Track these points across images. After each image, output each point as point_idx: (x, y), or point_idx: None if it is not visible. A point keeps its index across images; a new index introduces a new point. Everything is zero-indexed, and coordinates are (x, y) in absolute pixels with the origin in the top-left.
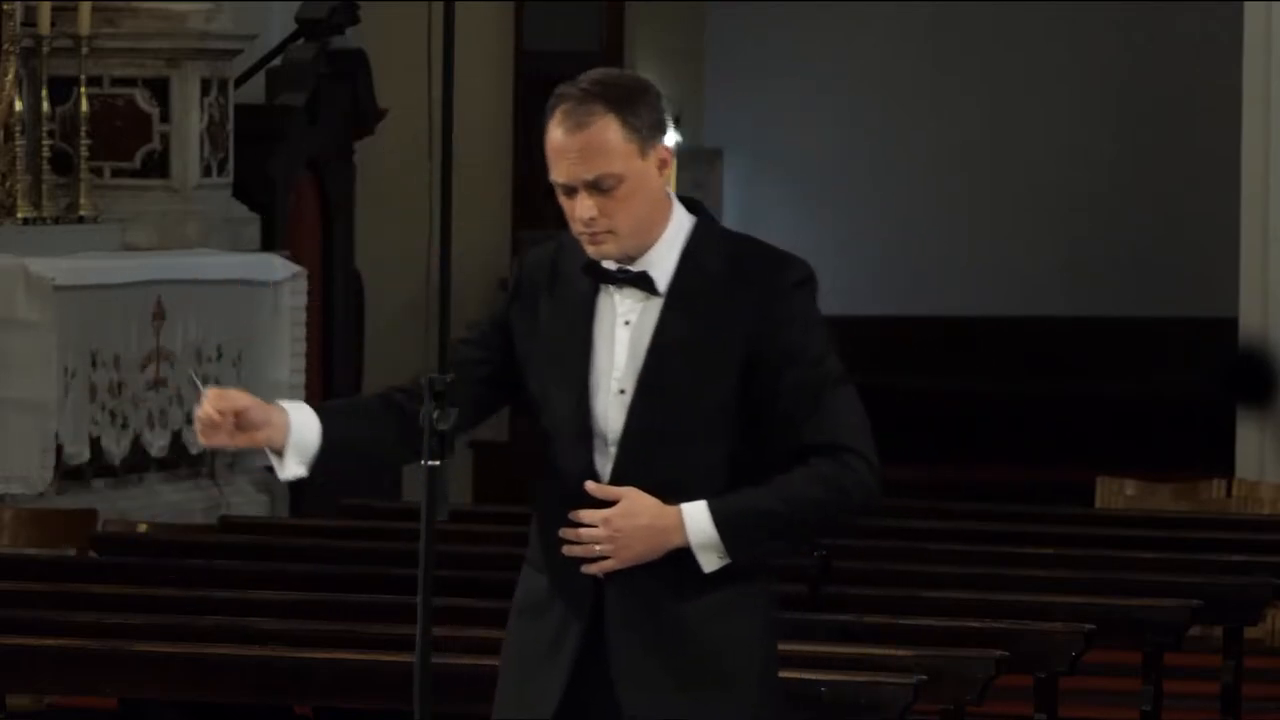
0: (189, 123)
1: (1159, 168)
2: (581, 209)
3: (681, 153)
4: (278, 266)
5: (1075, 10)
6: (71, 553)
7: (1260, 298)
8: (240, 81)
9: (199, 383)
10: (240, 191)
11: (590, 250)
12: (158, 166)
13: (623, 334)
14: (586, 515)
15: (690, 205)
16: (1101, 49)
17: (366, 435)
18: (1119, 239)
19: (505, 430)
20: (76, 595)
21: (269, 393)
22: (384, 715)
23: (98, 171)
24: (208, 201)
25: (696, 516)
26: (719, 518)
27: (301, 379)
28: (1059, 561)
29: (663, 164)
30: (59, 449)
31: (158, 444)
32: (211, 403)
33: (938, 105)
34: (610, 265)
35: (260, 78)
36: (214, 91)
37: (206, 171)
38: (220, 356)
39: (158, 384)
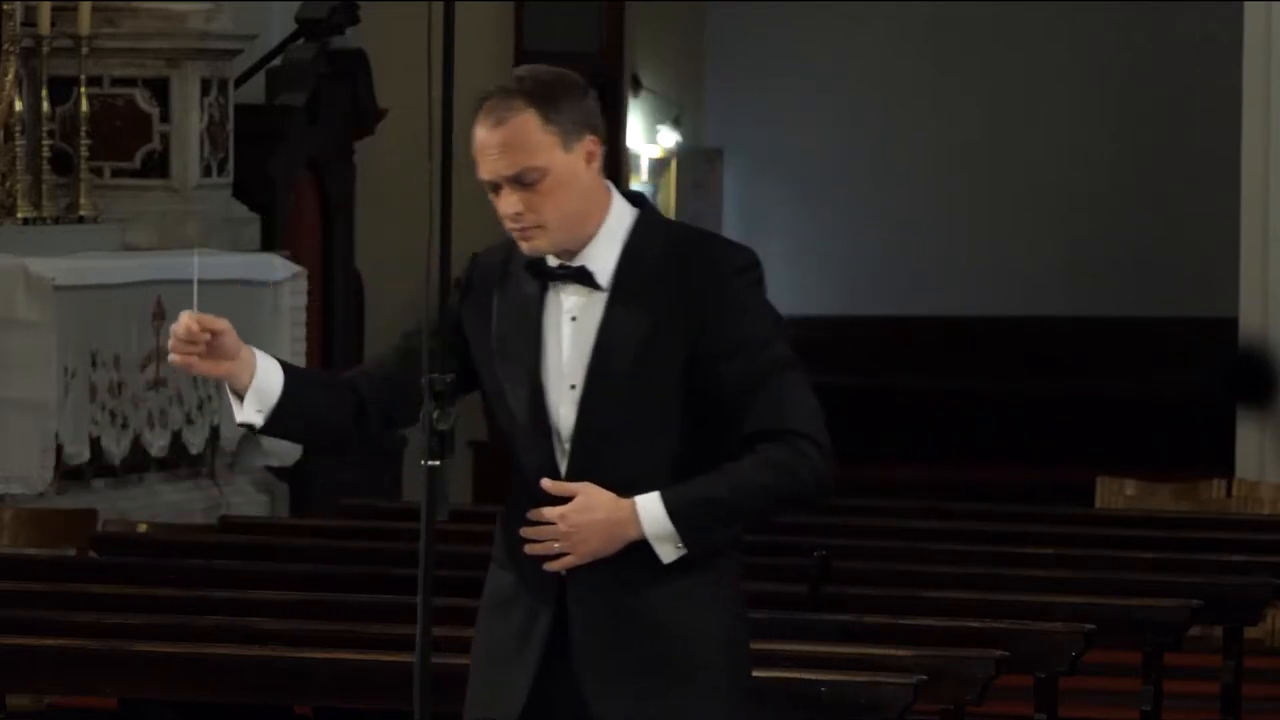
0: (189, 123)
1: (1159, 168)
2: (505, 204)
3: (681, 153)
4: (278, 266)
5: (1075, 10)
6: (71, 553)
7: (1260, 298)
8: (240, 81)
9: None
10: (240, 191)
11: (523, 246)
12: (158, 166)
13: (569, 330)
14: (543, 514)
15: (633, 198)
16: (1101, 49)
17: (323, 408)
18: (1119, 239)
19: None
20: (76, 595)
21: None
22: (384, 715)
23: (98, 171)
24: (208, 201)
25: (650, 508)
26: (672, 508)
27: None
28: (1059, 561)
29: (590, 157)
30: (59, 449)
31: (158, 444)
32: (193, 317)
33: (938, 105)
34: (552, 261)
35: (260, 78)
36: (214, 91)
37: (206, 171)
38: None
39: (158, 384)
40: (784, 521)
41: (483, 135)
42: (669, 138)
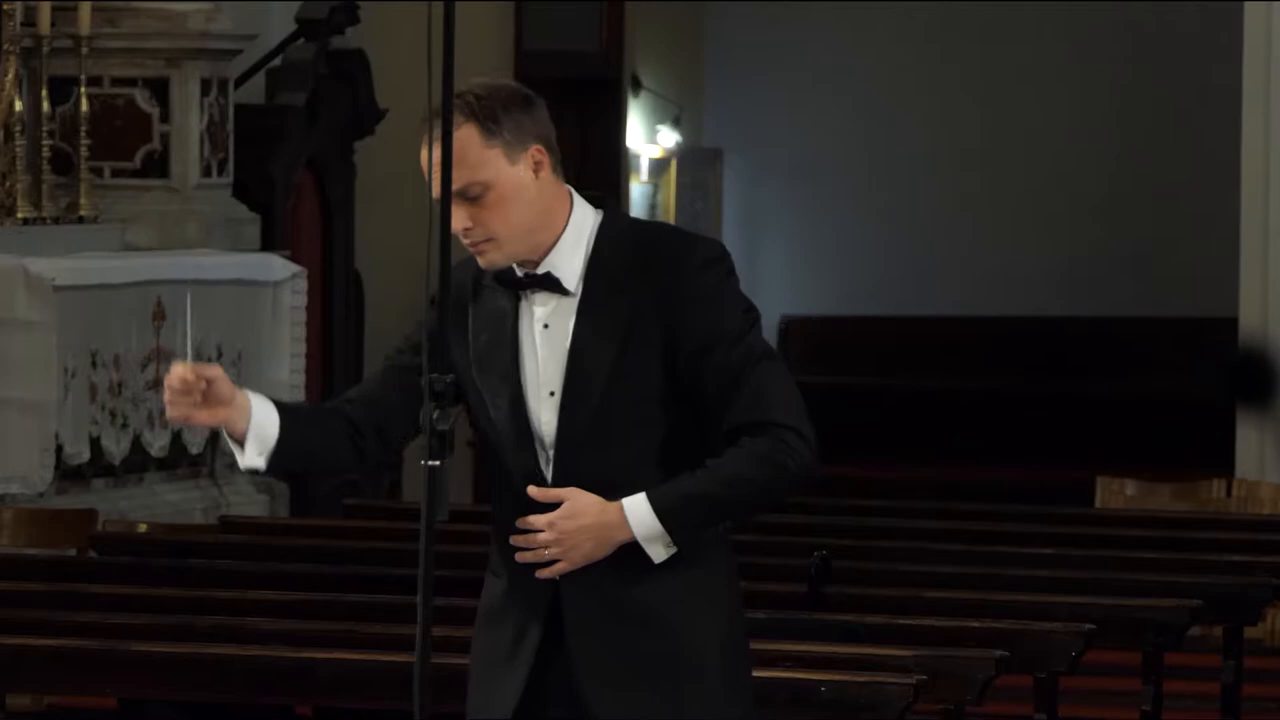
0: (189, 123)
1: (1159, 168)
2: (455, 220)
3: (682, 153)
4: (278, 266)
5: (1075, 10)
6: (71, 553)
7: (1260, 298)
8: (240, 81)
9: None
10: (240, 191)
11: (480, 260)
12: (158, 166)
13: (542, 338)
14: (531, 521)
15: (596, 203)
16: (1101, 49)
17: (320, 439)
18: (1119, 239)
19: None
20: (76, 595)
21: (269, 392)
22: (384, 715)
23: (98, 171)
24: (208, 201)
25: (638, 510)
26: (659, 508)
27: (301, 379)
28: (1059, 561)
29: (538, 166)
30: (59, 449)
31: (158, 444)
32: (187, 367)
33: (938, 105)
34: (518, 271)
35: (260, 78)
36: (214, 91)
37: (206, 171)
38: (220, 356)
39: (158, 384)
40: (784, 521)
41: (426, 154)
42: (669, 138)
